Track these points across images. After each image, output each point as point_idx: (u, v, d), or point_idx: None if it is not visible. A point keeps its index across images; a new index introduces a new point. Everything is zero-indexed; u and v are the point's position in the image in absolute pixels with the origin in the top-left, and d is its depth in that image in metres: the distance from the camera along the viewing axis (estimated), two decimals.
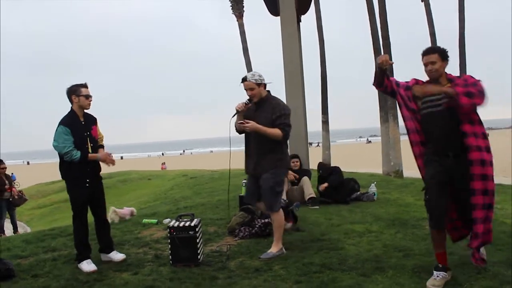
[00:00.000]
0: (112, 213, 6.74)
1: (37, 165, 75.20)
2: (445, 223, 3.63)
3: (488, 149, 3.48)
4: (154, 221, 6.42)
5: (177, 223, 4.44)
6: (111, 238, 4.74)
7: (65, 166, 4.39)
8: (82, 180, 4.39)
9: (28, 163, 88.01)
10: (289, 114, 4.51)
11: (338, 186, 7.48)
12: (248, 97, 4.52)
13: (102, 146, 4.67)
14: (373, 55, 14.77)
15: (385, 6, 14.99)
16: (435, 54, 3.54)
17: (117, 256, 4.59)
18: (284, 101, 8.16)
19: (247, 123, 4.32)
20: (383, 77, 3.64)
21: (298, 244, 4.85)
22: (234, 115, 4.54)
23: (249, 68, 18.63)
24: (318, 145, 52.13)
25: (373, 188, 7.78)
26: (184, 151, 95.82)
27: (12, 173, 10.24)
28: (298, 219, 5.84)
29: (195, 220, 4.51)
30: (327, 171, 7.86)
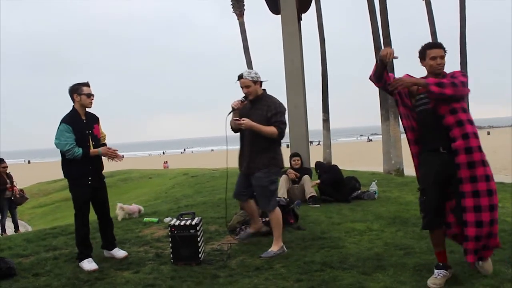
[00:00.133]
0: (119, 209, 6.78)
1: (38, 164, 75.27)
2: (440, 224, 3.56)
3: (479, 149, 3.41)
4: (155, 219, 6.43)
5: (178, 221, 4.44)
6: (114, 236, 4.78)
7: (67, 164, 4.40)
8: (84, 179, 4.40)
9: (29, 162, 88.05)
10: (284, 112, 4.52)
11: (337, 185, 7.46)
12: (244, 95, 4.53)
13: (105, 145, 4.67)
14: (374, 54, 14.77)
15: (386, 4, 14.98)
16: (442, 49, 3.54)
17: (119, 253, 4.63)
18: (285, 99, 8.22)
19: (243, 120, 4.32)
20: (383, 71, 3.57)
21: (299, 243, 4.86)
22: (230, 112, 4.54)
23: (249, 67, 18.63)
24: (318, 144, 52.15)
25: (374, 187, 7.78)
26: (184, 149, 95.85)
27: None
28: (299, 218, 5.85)
29: (196, 218, 4.52)
30: (324, 170, 7.86)
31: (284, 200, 6.05)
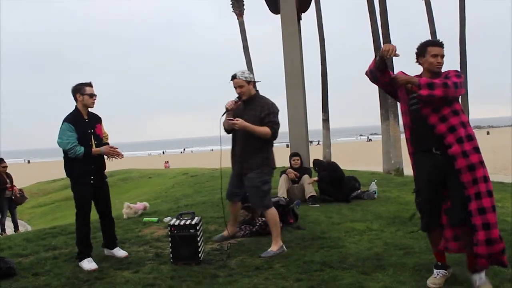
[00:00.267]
0: (127, 208, 6.85)
1: (38, 164, 75.24)
2: (438, 224, 3.49)
3: (476, 150, 3.32)
4: (155, 219, 6.43)
5: (178, 221, 4.44)
6: (115, 235, 4.80)
7: (70, 163, 4.42)
8: (86, 178, 4.42)
9: (28, 161, 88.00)
10: (277, 113, 4.54)
11: (336, 182, 7.44)
12: (237, 95, 4.54)
13: (108, 144, 4.68)
14: (373, 53, 14.76)
15: (385, 4, 14.98)
16: (443, 49, 3.46)
17: (120, 252, 4.65)
18: (285, 99, 8.21)
19: (236, 120, 4.33)
20: (382, 68, 3.45)
21: (298, 242, 4.86)
22: (224, 113, 4.55)
23: (249, 66, 18.62)
24: (318, 144, 52.16)
25: (373, 186, 7.78)
26: (184, 149, 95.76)
27: None
28: (299, 217, 5.86)
29: (196, 218, 4.52)
30: (323, 168, 7.85)
31: (283, 199, 6.05)
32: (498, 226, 3.33)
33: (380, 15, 15.01)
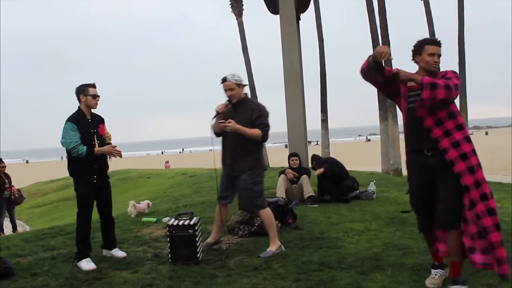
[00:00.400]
0: (131, 207, 7.00)
1: (36, 164, 75.17)
2: (433, 224, 3.43)
3: (474, 152, 3.25)
4: (154, 219, 6.43)
5: (177, 221, 4.44)
6: (114, 235, 4.81)
7: (73, 163, 4.46)
8: (89, 177, 4.44)
9: (27, 161, 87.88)
10: (268, 115, 4.55)
11: (336, 178, 7.45)
12: (227, 98, 4.55)
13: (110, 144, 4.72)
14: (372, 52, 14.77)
15: (384, 4, 14.99)
16: (440, 48, 3.39)
17: (118, 253, 4.66)
18: (284, 99, 8.22)
19: (228, 122, 4.34)
20: (376, 69, 3.38)
21: (297, 243, 4.86)
22: (215, 116, 4.57)
23: (248, 67, 18.61)
24: (317, 144, 52.17)
25: (372, 187, 7.79)
26: (183, 149, 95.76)
27: None
28: (297, 218, 5.86)
29: (195, 218, 4.52)
30: (321, 162, 7.83)
31: (282, 199, 6.05)
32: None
33: (378, 15, 15.01)
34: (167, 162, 39.07)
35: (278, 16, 8.36)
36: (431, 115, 3.25)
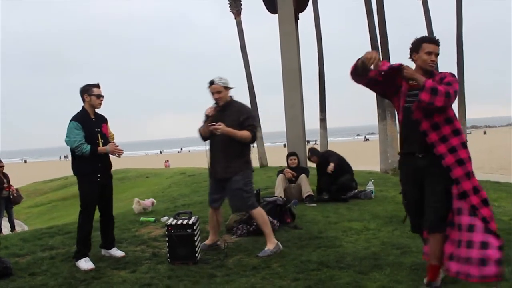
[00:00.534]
0: (136, 204, 7.19)
1: (34, 163, 75.03)
2: (421, 227, 3.41)
3: (470, 159, 3.20)
4: (152, 219, 6.42)
5: (175, 221, 4.44)
6: (113, 235, 4.82)
7: (77, 161, 4.49)
8: (93, 176, 4.47)
9: (25, 161, 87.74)
10: (255, 117, 4.58)
11: (340, 172, 7.48)
12: (214, 101, 4.58)
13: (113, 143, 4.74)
14: None
15: (383, 4, 14.99)
16: (438, 47, 3.29)
17: (117, 252, 4.66)
18: (283, 98, 8.22)
19: (219, 125, 4.36)
20: (363, 73, 3.29)
21: (295, 242, 4.86)
22: (206, 120, 4.58)
23: (247, 66, 18.60)
24: (315, 143, 52.19)
25: (370, 186, 7.79)
26: (181, 149, 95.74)
27: None
28: (296, 217, 5.86)
29: (193, 218, 4.52)
30: (324, 157, 7.80)
31: (281, 199, 6.06)
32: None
33: (377, 14, 15.01)
34: (167, 161, 39.09)
35: (276, 15, 8.37)
36: (427, 119, 3.19)
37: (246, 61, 18.65)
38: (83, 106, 4.56)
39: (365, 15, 15.48)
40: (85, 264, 4.31)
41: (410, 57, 3.39)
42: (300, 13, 8.79)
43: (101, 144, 4.49)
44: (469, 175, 3.17)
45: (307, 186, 7.30)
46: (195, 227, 4.37)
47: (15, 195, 10.49)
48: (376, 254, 4.30)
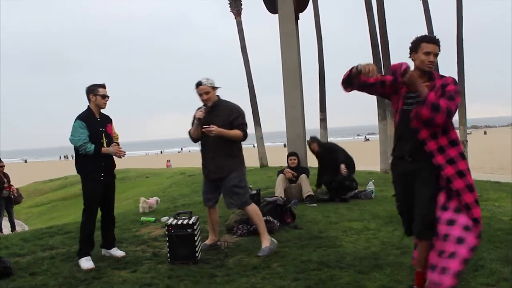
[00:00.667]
0: (143, 203, 7.37)
1: (35, 163, 75.05)
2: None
3: (469, 170, 3.09)
4: (152, 219, 6.43)
5: (175, 221, 4.44)
6: (114, 235, 4.83)
7: (81, 160, 4.52)
8: (96, 175, 4.50)
9: (25, 161, 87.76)
10: (245, 115, 4.65)
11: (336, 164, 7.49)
12: (202, 103, 4.60)
13: (118, 144, 4.76)
14: (371, 52, 14.77)
15: (383, 3, 14.99)
16: (438, 47, 3.16)
17: (117, 252, 4.68)
18: (283, 97, 8.22)
19: (212, 127, 4.37)
20: (354, 82, 3.21)
21: (296, 242, 4.86)
22: (195, 122, 4.59)
23: (247, 66, 18.61)
24: None
25: (371, 186, 7.79)
26: (182, 149, 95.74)
27: None
28: (296, 217, 5.86)
29: (193, 218, 4.52)
30: (327, 149, 7.76)
31: (281, 199, 6.06)
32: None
33: (377, 12, 15.01)
34: (168, 161, 39.11)
35: (277, 15, 8.37)
36: (426, 127, 3.08)
37: (246, 61, 18.65)
38: (88, 106, 4.60)
39: (365, 14, 15.48)
40: (86, 263, 4.33)
41: (409, 57, 3.30)
42: (300, 13, 8.79)
43: (105, 144, 4.53)
44: (471, 188, 3.07)
45: (307, 186, 7.30)
46: (195, 227, 4.37)
47: (15, 195, 10.50)
48: (376, 254, 4.30)
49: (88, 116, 4.53)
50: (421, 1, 18.70)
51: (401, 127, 3.25)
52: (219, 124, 4.43)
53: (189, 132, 4.72)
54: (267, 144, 20.93)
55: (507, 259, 3.89)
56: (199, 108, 4.65)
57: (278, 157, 18.45)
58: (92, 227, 4.54)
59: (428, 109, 2.95)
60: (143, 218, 6.47)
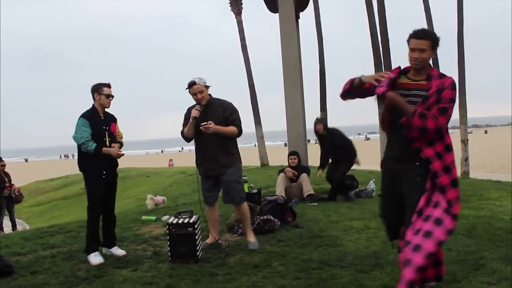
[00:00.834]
0: (150, 200, 7.51)
1: (36, 162, 75.10)
2: (397, 234, 3.28)
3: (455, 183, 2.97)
4: (153, 218, 6.43)
5: (176, 220, 4.45)
6: (115, 233, 4.86)
7: (83, 158, 4.54)
8: (98, 173, 4.52)
9: (26, 160, 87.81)
10: (238, 112, 4.71)
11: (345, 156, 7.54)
12: (196, 102, 4.62)
13: (121, 143, 4.80)
14: (371, 51, 14.76)
15: (383, 2, 14.98)
16: (427, 41, 2.92)
17: (118, 251, 4.69)
18: (283, 96, 8.22)
19: (209, 123, 4.40)
20: (357, 91, 3.16)
21: (296, 241, 4.86)
22: (189, 122, 4.59)
23: (247, 65, 18.60)
24: (316, 142, 52.20)
25: (371, 185, 7.79)
26: (182, 148, 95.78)
27: None
28: (297, 216, 5.86)
29: (194, 217, 4.52)
30: (330, 134, 7.67)
31: (282, 198, 6.06)
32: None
33: (378, 12, 15.00)
34: (170, 160, 39.14)
35: (277, 14, 8.37)
36: (429, 146, 2.95)
37: (247, 60, 18.64)
38: (93, 104, 4.63)
39: (365, 13, 15.47)
40: (94, 258, 4.40)
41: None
42: (300, 12, 8.80)
43: (108, 142, 4.56)
44: (456, 200, 2.96)
45: (308, 185, 7.30)
46: (196, 226, 4.37)
47: (16, 194, 10.50)
48: (377, 253, 4.30)
49: (92, 114, 4.56)
50: (421, 0, 18.70)
51: (392, 127, 3.14)
52: (215, 122, 4.47)
53: (182, 132, 4.75)
54: (268, 143, 20.93)
55: (508, 258, 3.88)
56: (192, 107, 4.67)
57: (278, 156, 18.45)
58: (96, 225, 4.59)
59: (416, 132, 2.89)
60: (144, 217, 6.48)
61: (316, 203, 7.06)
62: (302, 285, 3.58)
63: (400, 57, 3.60)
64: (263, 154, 18.24)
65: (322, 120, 7.86)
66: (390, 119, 3.15)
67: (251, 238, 4.76)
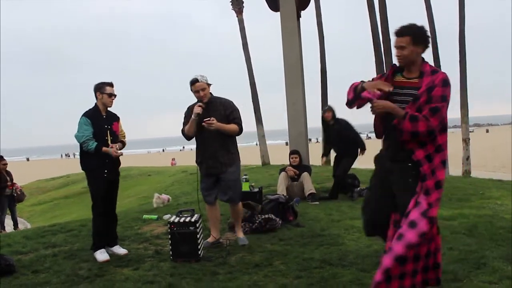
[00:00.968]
0: (157, 198, 7.73)
1: (37, 162, 75.20)
2: (376, 232, 3.26)
3: (439, 185, 2.90)
4: (154, 217, 6.44)
5: (177, 218, 4.45)
6: (116, 232, 4.87)
7: (85, 157, 4.56)
8: (100, 171, 4.54)
9: (27, 159, 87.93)
10: (239, 110, 4.75)
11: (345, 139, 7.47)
12: (198, 99, 4.62)
13: (123, 142, 4.82)
14: (373, 50, 14.76)
15: (385, 1, 14.98)
16: (405, 37, 2.87)
17: (120, 250, 4.70)
18: (285, 95, 8.20)
19: (212, 120, 4.42)
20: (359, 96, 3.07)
21: (298, 240, 4.87)
22: (196, 119, 4.58)
23: (248, 64, 18.59)
24: (317, 141, 52.17)
25: None
26: (184, 147, 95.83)
27: None
28: (298, 215, 5.86)
29: (195, 215, 4.53)
30: (339, 124, 7.57)
31: (283, 197, 6.06)
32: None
33: (379, 11, 15.00)
34: (173, 159, 39.17)
35: (278, 13, 8.36)
36: (421, 147, 2.92)
37: (248, 59, 18.63)
38: (95, 103, 4.64)
39: (366, 12, 15.46)
40: (101, 255, 4.45)
41: None
42: (302, 11, 8.78)
43: (109, 141, 4.57)
44: (437, 202, 2.92)
45: (309, 184, 7.30)
46: (197, 225, 4.38)
47: (18, 193, 10.51)
48: (378, 252, 4.29)
49: (94, 113, 4.57)
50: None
51: (387, 126, 3.10)
52: (216, 119, 4.48)
53: (183, 130, 4.75)
54: (269, 142, 20.93)
55: (509, 257, 3.88)
56: (193, 106, 4.66)
57: (280, 155, 18.45)
58: (100, 222, 4.61)
59: (407, 136, 2.85)
60: (145, 216, 6.49)
61: (317, 202, 7.06)
62: (304, 284, 3.58)
63: None
64: (265, 153, 18.24)
65: (331, 109, 7.78)
66: (383, 126, 3.12)
67: (241, 234, 4.91)
